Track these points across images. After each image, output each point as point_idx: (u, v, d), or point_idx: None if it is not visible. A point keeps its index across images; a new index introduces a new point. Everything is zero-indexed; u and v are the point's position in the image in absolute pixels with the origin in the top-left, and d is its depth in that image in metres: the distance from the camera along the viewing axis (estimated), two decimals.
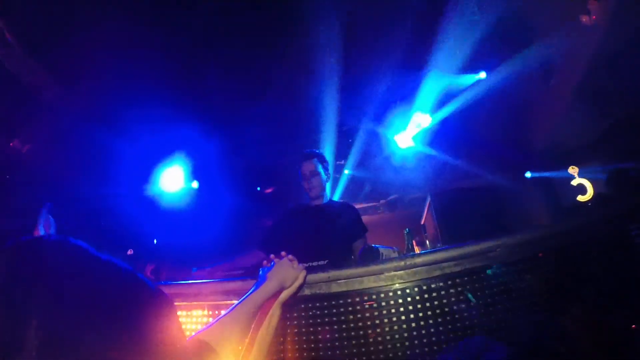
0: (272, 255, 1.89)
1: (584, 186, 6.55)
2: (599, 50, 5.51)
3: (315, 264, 2.44)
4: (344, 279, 1.99)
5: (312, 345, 2.00)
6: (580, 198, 6.45)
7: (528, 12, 5.97)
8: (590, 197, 6.43)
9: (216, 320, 1.46)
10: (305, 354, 2.00)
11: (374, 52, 6.52)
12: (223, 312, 1.54)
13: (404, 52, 6.39)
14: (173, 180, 7.18)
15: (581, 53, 5.75)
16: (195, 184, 7.54)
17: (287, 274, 1.84)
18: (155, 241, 6.41)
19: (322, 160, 3.65)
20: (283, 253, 1.92)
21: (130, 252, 5.34)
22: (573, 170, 6.66)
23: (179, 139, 6.83)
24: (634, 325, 1.93)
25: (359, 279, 1.97)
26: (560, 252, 2.02)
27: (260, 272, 1.86)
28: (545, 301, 1.96)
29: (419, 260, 1.96)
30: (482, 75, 7.08)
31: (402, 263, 1.95)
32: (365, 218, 3.62)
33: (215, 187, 7.68)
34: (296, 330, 2.02)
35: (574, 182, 6.59)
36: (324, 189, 3.57)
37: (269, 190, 8.61)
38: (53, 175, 5.34)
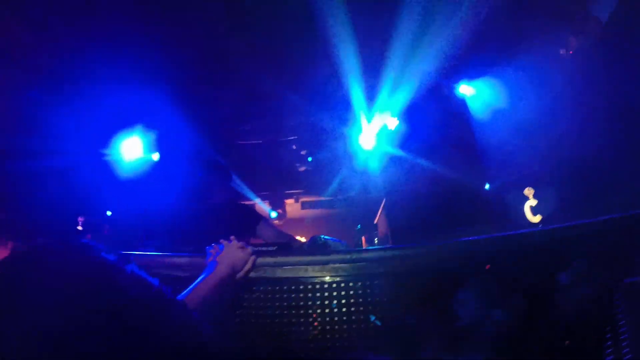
0: (221, 240, 1.92)
1: (537, 208, 6.77)
2: (566, 86, 5.72)
3: (264, 248, 2.47)
4: (290, 266, 2.02)
5: (254, 328, 2.03)
6: (531, 218, 6.67)
7: (510, 31, 6.14)
8: (540, 219, 6.66)
9: None
10: (247, 334, 2.03)
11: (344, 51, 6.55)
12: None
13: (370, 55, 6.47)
14: (132, 148, 6.99)
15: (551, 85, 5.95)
16: (155, 156, 7.39)
17: (236, 257, 1.87)
18: (109, 213, 6.24)
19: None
20: (232, 237, 1.94)
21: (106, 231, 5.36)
22: (529, 191, 6.87)
23: (143, 106, 6.67)
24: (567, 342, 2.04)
25: (304, 267, 2.01)
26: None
27: (208, 256, 1.88)
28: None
29: (365, 255, 2.02)
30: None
31: (349, 256, 2.00)
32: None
33: (175, 161, 7.57)
34: (239, 311, 2.04)
35: (527, 204, 6.81)
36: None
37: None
38: None
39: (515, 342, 2.00)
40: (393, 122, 7.82)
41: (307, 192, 9.89)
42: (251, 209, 4.04)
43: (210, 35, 6.16)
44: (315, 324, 1.96)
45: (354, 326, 1.97)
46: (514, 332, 2.01)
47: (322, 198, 9.98)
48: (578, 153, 5.77)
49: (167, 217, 3.71)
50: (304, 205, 10.14)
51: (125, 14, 5.27)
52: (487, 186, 7.72)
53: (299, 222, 10.11)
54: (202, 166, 4.08)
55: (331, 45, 6.27)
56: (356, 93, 7.34)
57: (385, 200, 4.57)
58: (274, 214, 9.00)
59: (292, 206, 10.06)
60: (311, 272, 2.02)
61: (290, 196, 9.88)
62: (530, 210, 6.63)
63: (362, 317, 1.98)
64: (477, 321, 2.05)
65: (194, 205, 3.82)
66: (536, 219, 6.67)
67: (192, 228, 2.09)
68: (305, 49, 6.43)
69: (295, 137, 8.60)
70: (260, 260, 2.01)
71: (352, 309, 1.99)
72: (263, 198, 9.65)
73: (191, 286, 1.62)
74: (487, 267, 2.12)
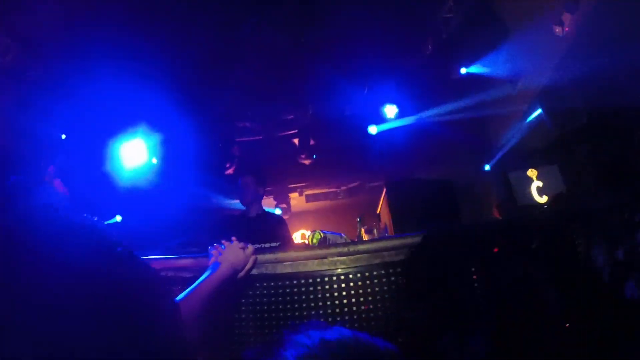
0: (223, 241, 1.97)
1: (541, 188, 6.79)
2: (563, 61, 5.73)
3: (266, 245, 2.53)
4: (290, 261, 2.08)
5: (258, 323, 2.09)
6: (538, 200, 6.67)
7: (503, 14, 6.16)
8: (547, 199, 6.66)
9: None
10: (250, 330, 2.09)
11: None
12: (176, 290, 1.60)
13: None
14: (134, 154, 6.96)
15: (548, 62, 5.96)
16: (154, 160, 7.39)
17: (238, 257, 1.93)
18: (119, 218, 6.27)
19: (258, 178, 4.36)
20: (233, 238, 2.00)
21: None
22: (532, 172, 6.89)
23: (141, 108, 6.68)
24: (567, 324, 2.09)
25: (304, 262, 2.07)
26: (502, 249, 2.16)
27: (210, 257, 1.94)
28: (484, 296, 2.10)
29: (361, 247, 2.07)
30: (463, 70, 7.24)
31: (346, 249, 2.06)
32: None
33: (178, 164, 7.61)
34: (243, 308, 2.10)
35: (533, 185, 6.82)
36: (255, 200, 4.24)
37: (229, 171, 8.62)
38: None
39: (518, 326, 2.05)
40: (392, 110, 7.87)
41: (311, 185, 9.94)
42: (280, 218, 4.34)
43: (208, 32, 6.18)
44: (316, 315, 2.02)
45: (354, 317, 2.03)
46: (519, 317, 2.06)
47: (326, 190, 10.04)
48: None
49: (202, 223, 4.01)
50: (308, 198, 10.20)
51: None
52: (487, 167, 7.74)
53: (304, 215, 10.18)
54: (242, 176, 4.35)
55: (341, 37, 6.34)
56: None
57: (386, 189, 4.60)
58: (278, 211, 9.05)
59: (296, 199, 10.12)
60: (310, 266, 2.07)
61: (294, 190, 9.94)
62: (537, 191, 6.65)
63: (362, 307, 2.03)
64: (478, 306, 2.10)
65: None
66: (543, 199, 6.69)
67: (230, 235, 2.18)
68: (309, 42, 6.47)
69: (296, 130, 8.65)
70: (260, 257, 2.06)
71: (353, 300, 2.05)
72: (267, 194, 9.72)
73: (193, 285, 1.67)
74: (495, 250, 2.17)
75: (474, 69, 7.08)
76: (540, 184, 6.79)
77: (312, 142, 8.65)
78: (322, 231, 2.25)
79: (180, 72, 6.57)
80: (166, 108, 6.72)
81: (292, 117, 8.40)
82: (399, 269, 2.04)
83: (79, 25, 5.20)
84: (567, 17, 5.37)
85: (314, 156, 8.79)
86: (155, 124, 7.13)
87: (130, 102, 6.33)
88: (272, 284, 2.09)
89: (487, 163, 7.79)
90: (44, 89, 5.44)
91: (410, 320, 2.03)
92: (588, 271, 2.09)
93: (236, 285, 1.94)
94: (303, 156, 8.81)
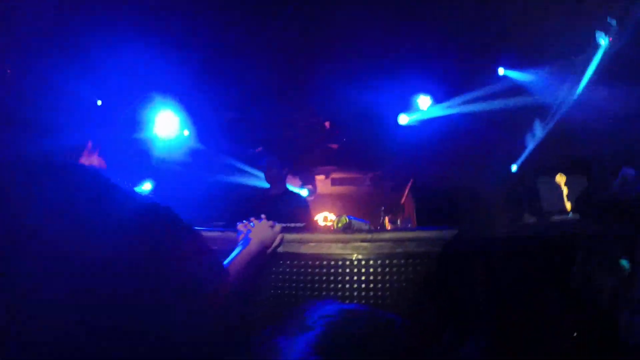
0: (252, 218, 2.07)
1: (568, 195, 6.71)
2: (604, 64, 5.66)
3: (292, 225, 2.62)
4: (315, 242, 2.17)
5: (281, 299, 2.19)
6: (566, 206, 6.60)
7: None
8: (571, 208, 6.58)
9: None
10: (273, 304, 2.20)
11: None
12: None
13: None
14: (167, 125, 7.08)
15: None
16: (186, 132, 7.52)
17: (267, 234, 2.03)
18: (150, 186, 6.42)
19: (283, 159, 4.55)
20: (263, 216, 2.09)
21: None
22: (561, 178, 6.80)
23: (172, 82, 6.75)
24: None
25: (328, 245, 2.16)
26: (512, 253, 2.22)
27: (238, 234, 2.03)
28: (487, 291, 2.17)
29: (384, 236, 2.15)
30: (501, 71, 7.18)
31: (370, 236, 2.14)
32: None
33: (208, 140, 7.72)
34: (266, 282, 2.21)
35: (559, 191, 6.75)
36: (280, 179, 4.43)
37: (258, 149, 8.73)
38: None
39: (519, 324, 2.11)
40: (426, 101, 7.83)
41: (339, 169, 9.99)
42: (301, 200, 4.46)
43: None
44: (334, 296, 2.10)
45: (371, 302, 2.11)
46: (522, 314, 2.11)
47: (353, 175, 10.08)
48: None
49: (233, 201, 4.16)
50: (334, 182, 10.27)
51: None
52: (514, 167, 7.67)
53: (328, 198, 10.26)
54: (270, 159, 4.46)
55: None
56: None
57: (413, 181, 4.65)
58: (304, 192, 9.15)
59: (322, 182, 10.19)
60: (334, 249, 2.16)
61: (321, 172, 10.00)
62: (566, 197, 6.59)
63: (379, 293, 2.11)
64: (483, 306, 2.16)
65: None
66: (568, 207, 6.62)
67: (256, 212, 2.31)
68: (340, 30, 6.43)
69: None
70: (287, 236, 2.16)
71: (371, 285, 2.13)
72: (294, 173, 9.82)
73: (228, 259, 1.77)
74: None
75: (513, 73, 7.02)
76: (567, 191, 6.71)
77: (340, 128, 8.68)
78: (348, 216, 2.33)
79: (212, 52, 6.62)
80: (197, 83, 6.81)
81: (321, 102, 8.42)
82: (418, 260, 2.12)
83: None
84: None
85: (344, 139, 8.83)
86: (185, 99, 7.23)
87: (162, 74, 6.40)
88: (296, 262, 2.19)
89: (516, 165, 7.74)
90: (80, 52, 5.53)
91: (421, 312, 2.10)
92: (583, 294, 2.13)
93: (263, 261, 2.03)
94: (331, 140, 8.85)
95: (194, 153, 7.48)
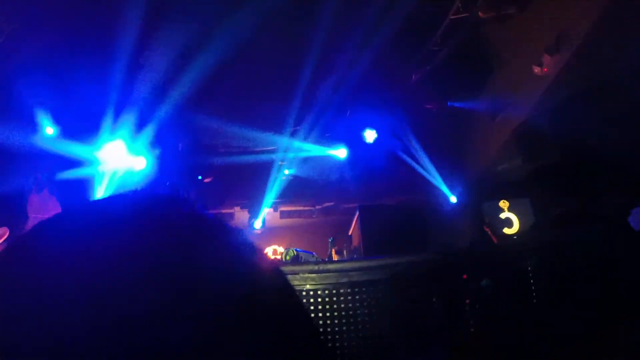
0: None
1: (511, 220, 7.03)
2: (542, 99, 6.06)
3: None
4: None
5: None
6: (506, 230, 6.89)
7: (490, 52, 6.49)
8: (516, 230, 6.89)
9: None
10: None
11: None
12: None
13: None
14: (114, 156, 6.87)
15: (527, 99, 6.29)
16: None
17: None
18: None
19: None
20: None
21: None
22: (504, 204, 7.13)
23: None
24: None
25: None
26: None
27: None
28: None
29: (330, 267, 2.25)
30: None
31: (316, 267, 2.23)
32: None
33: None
34: None
35: (502, 215, 7.06)
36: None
37: (207, 180, 8.70)
38: None
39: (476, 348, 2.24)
40: (372, 135, 8.11)
41: (287, 202, 10.06)
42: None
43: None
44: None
45: (321, 329, 2.19)
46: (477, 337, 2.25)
47: (301, 207, 10.18)
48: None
49: None
50: (283, 215, 10.30)
51: None
52: (453, 199, 8.00)
53: (277, 230, 10.27)
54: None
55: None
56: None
57: (359, 213, 4.79)
58: (258, 224, 9.14)
59: (270, 215, 10.21)
60: None
61: (269, 205, 10.02)
62: (506, 222, 6.90)
63: (328, 321, 2.20)
64: (437, 327, 2.29)
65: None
66: (511, 231, 6.93)
67: None
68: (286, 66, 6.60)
69: (275, 147, 8.79)
70: None
71: (320, 314, 2.21)
72: (242, 207, 9.81)
73: None
74: (464, 276, 2.37)
75: (457, 102, 7.41)
76: (510, 215, 7.05)
77: (289, 159, 8.82)
78: (295, 249, 2.42)
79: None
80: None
81: (272, 133, 8.54)
82: (363, 288, 2.22)
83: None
84: (547, 59, 5.68)
85: (289, 172, 8.96)
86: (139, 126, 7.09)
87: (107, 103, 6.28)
88: None
89: (461, 192, 8.07)
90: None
91: (372, 336, 2.20)
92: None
93: None
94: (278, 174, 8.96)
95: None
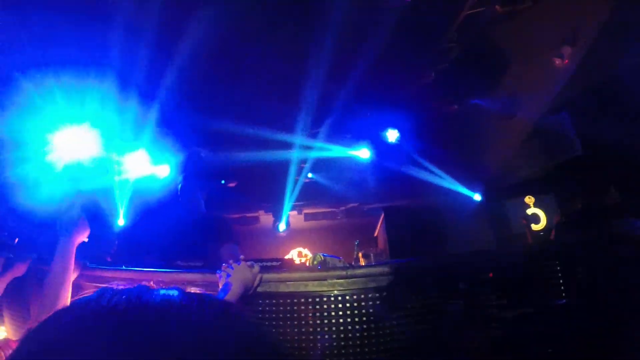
0: (230, 261, 2.13)
1: (538, 216, 6.96)
2: (560, 94, 5.97)
3: (269, 264, 2.70)
4: (292, 281, 2.26)
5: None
6: (534, 227, 6.82)
7: (505, 49, 6.40)
8: (543, 227, 6.82)
9: None
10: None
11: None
12: None
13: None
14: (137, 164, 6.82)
15: (544, 95, 6.20)
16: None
17: (247, 276, 2.08)
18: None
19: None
20: (242, 257, 2.16)
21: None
22: (529, 200, 7.07)
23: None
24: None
25: (305, 283, 2.24)
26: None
27: (220, 276, 2.07)
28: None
29: (358, 272, 2.25)
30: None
31: (344, 273, 2.24)
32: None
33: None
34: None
35: (529, 211, 6.99)
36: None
37: (232, 184, 8.76)
38: None
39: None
40: (393, 134, 8.07)
41: (310, 204, 10.09)
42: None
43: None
44: (312, 332, 2.18)
45: (349, 335, 2.20)
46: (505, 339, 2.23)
47: (324, 209, 10.19)
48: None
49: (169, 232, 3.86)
50: (307, 217, 10.34)
51: None
52: (476, 196, 7.90)
53: (302, 233, 10.31)
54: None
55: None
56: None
57: (384, 215, 4.79)
58: (283, 227, 9.18)
59: (295, 217, 10.25)
60: (311, 287, 2.25)
61: (292, 208, 10.06)
62: (533, 219, 6.83)
63: (357, 327, 2.20)
64: (461, 333, 2.28)
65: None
66: (539, 227, 6.86)
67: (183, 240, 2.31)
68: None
69: (295, 149, 8.81)
70: (265, 276, 2.23)
71: (348, 319, 2.22)
72: (266, 210, 9.87)
73: None
74: (490, 275, 2.36)
75: (475, 99, 7.32)
76: (537, 211, 6.97)
77: (311, 162, 8.83)
78: (322, 254, 2.43)
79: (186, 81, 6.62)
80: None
81: (292, 136, 8.57)
82: (391, 293, 2.22)
83: None
84: (567, 50, 5.57)
85: (311, 176, 8.98)
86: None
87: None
88: (274, 301, 2.26)
89: (484, 191, 7.98)
90: None
91: (401, 340, 2.20)
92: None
93: (244, 302, 2.09)
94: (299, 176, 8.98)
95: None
